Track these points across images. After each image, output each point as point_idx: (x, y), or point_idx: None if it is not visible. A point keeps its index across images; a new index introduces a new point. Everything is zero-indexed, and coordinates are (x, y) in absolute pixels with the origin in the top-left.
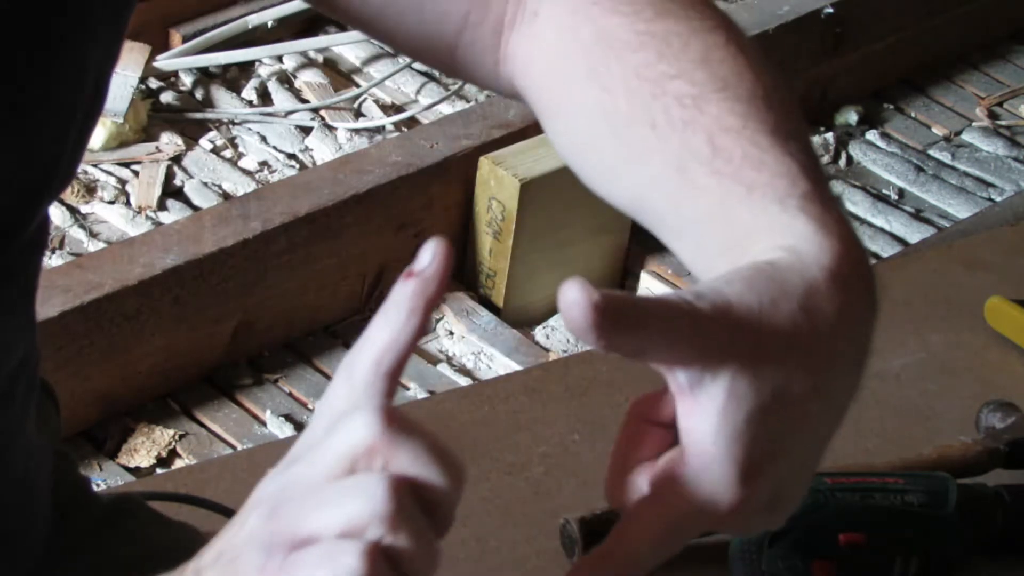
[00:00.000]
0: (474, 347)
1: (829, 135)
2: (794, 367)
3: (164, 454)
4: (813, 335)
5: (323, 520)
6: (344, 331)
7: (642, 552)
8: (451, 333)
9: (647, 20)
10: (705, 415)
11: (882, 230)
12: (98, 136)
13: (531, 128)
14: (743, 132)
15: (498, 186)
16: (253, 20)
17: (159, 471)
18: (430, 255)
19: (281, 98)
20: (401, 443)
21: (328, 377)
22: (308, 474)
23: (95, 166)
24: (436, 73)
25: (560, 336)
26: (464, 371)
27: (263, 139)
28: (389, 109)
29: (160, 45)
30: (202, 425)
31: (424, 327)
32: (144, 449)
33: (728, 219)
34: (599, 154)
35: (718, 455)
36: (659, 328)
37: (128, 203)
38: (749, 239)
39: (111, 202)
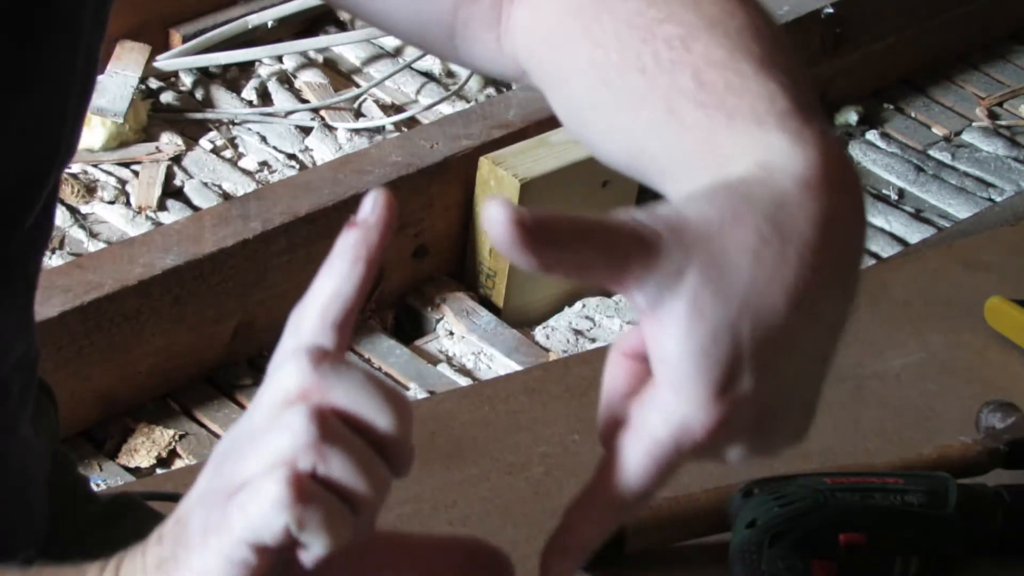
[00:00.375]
0: (474, 347)
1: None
2: (764, 282)
3: (164, 454)
4: (783, 247)
5: (253, 463)
6: None
7: (625, 488)
8: (451, 333)
9: None
10: (669, 333)
11: (882, 230)
12: (98, 136)
13: (531, 128)
14: (728, 64)
15: (498, 186)
16: (253, 20)
17: (159, 471)
18: (371, 204)
19: (281, 98)
20: (334, 381)
21: None
22: (248, 426)
23: (95, 166)
24: (436, 73)
25: (560, 336)
26: (464, 371)
27: (263, 139)
28: (389, 109)
29: (160, 45)
30: (202, 425)
31: (370, 276)
32: (144, 449)
33: (713, 150)
34: (595, 111)
35: (686, 373)
36: (598, 247)
37: (128, 203)
38: (731, 164)
39: (111, 202)
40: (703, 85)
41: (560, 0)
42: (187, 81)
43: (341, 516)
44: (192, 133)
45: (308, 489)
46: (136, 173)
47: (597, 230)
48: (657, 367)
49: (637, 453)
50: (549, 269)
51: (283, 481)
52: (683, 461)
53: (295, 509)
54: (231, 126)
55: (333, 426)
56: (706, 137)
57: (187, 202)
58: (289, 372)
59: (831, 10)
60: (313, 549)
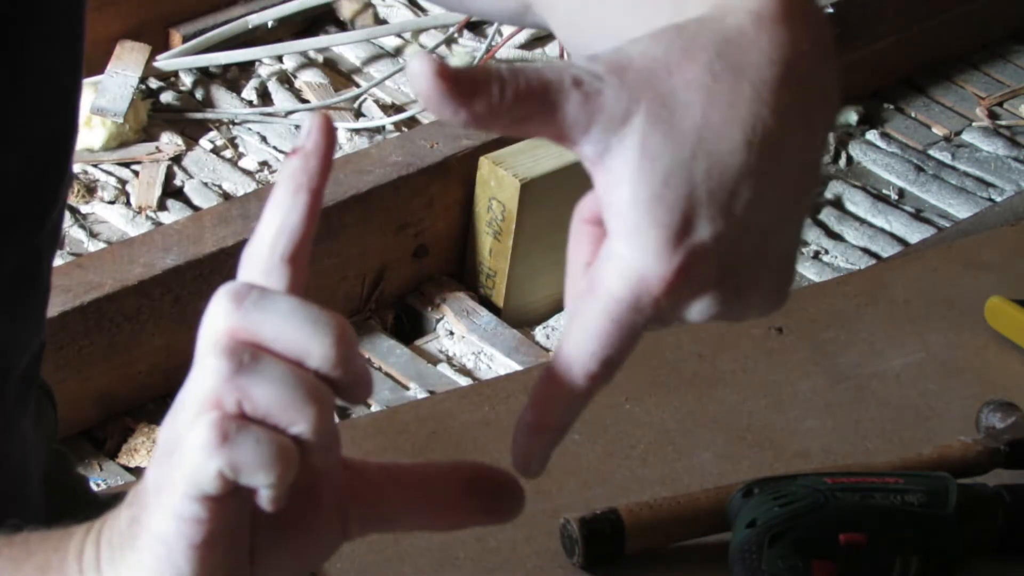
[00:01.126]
0: (474, 347)
1: (829, 135)
2: (718, 120)
3: None
4: (737, 83)
5: (183, 414)
6: None
7: (589, 354)
8: (451, 333)
9: None
10: (618, 180)
11: (882, 230)
12: (98, 136)
13: None
14: None
15: (498, 186)
16: (253, 20)
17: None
18: (307, 130)
19: (281, 98)
20: (258, 314)
21: None
22: (184, 388)
23: (95, 166)
24: None
25: (560, 336)
26: (464, 371)
27: (263, 139)
28: (389, 109)
29: (160, 45)
30: None
31: (315, 206)
32: (144, 449)
33: (680, 11)
34: (586, 14)
35: (639, 221)
36: (532, 96)
37: (128, 203)
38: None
39: (111, 202)
40: None
41: None
42: (187, 81)
43: (282, 449)
44: (192, 133)
45: (232, 429)
46: (136, 173)
47: (530, 78)
48: (609, 219)
49: (595, 313)
50: (481, 124)
51: (206, 425)
52: (645, 321)
53: (223, 452)
54: (231, 126)
55: (254, 358)
56: (674, 6)
57: (187, 202)
58: (213, 313)
59: (831, 10)
60: (262, 490)
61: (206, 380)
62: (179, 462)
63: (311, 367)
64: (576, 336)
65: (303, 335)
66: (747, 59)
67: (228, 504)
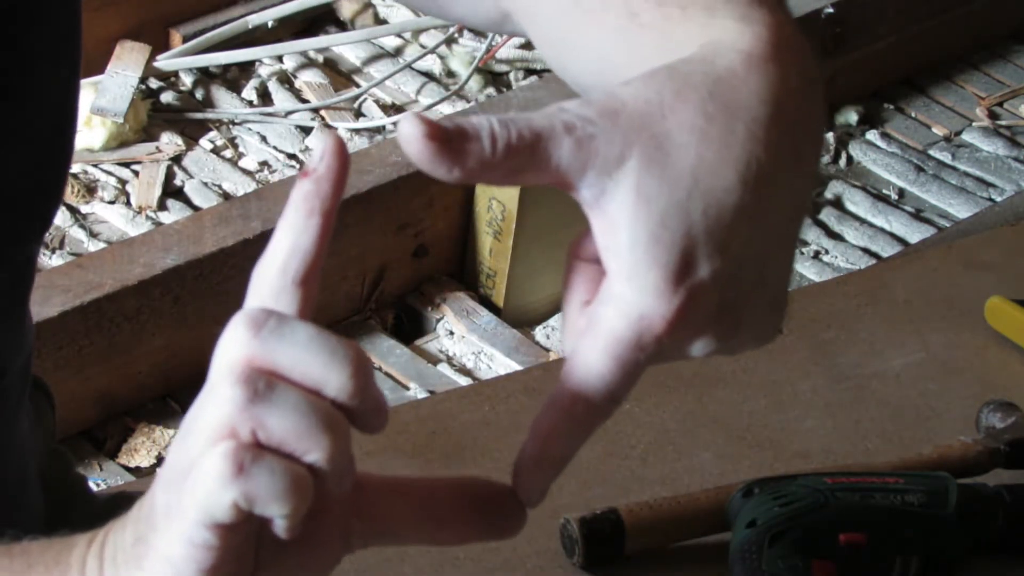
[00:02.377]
0: (474, 347)
1: (829, 135)
2: (713, 160)
3: (164, 454)
4: (729, 123)
5: (196, 440)
6: (344, 331)
7: (591, 392)
8: (451, 333)
9: None
10: (616, 223)
11: (882, 230)
12: (98, 136)
13: None
14: None
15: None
16: (253, 20)
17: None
18: (320, 153)
19: (281, 98)
20: (275, 342)
21: None
22: (200, 400)
23: (95, 166)
24: (436, 73)
25: (560, 336)
26: (464, 371)
27: (263, 139)
28: (389, 109)
29: (160, 45)
30: None
31: (327, 229)
32: (144, 449)
33: (668, 46)
34: (566, 32)
35: (638, 262)
36: (524, 148)
37: (128, 203)
38: (681, 53)
39: (111, 202)
40: None
41: None
42: (187, 81)
43: (296, 480)
44: (192, 133)
45: (247, 460)
46: (136, 173)
47: (520, 128)
48: (608, 261)
49: (597, 352)
50: (475, 179)
51: (221, 456)
52: (647, 359)
53: (238, 483)
54: (231, 126)
55: (269, 387)
56: (662, 35)
57: (187, 202)
58: (230, 340)
59: (831, 10)
60: (277, 520)
61: (221, 407)
62: (192, 489)
63: (328, 396)
64: (578, 374)
65: (321, 364)
66: (739, 99)
67: (239, 530)
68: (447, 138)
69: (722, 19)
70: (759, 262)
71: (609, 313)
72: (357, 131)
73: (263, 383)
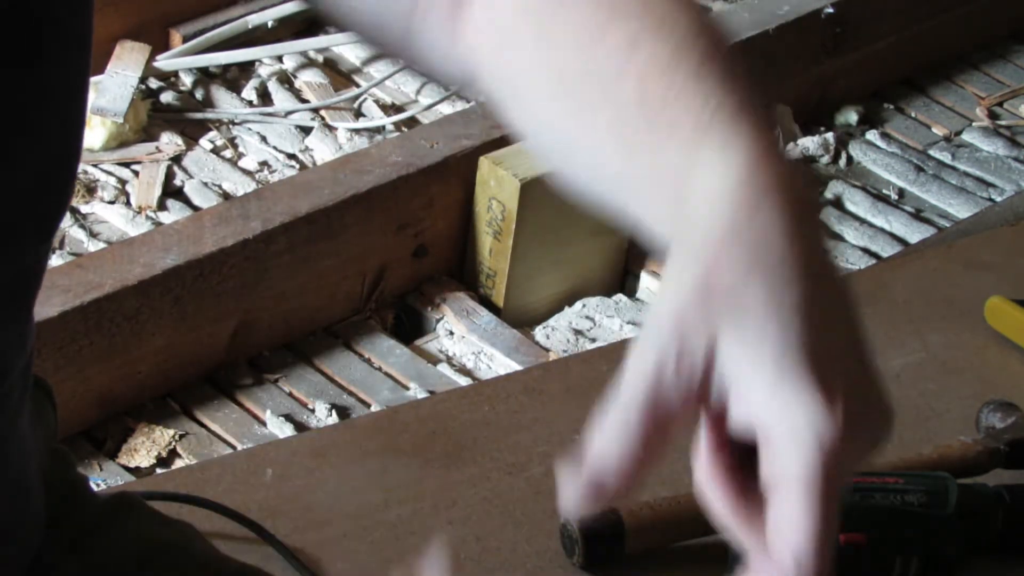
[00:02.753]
0: (474, 347)
1: (829, 135)
2: (782, 297)
3: (164, 454)
4: (768, 264)
5: None
6: (344, 331)
7: (801, 548)
8: (451, 333)
9: None
10: (755, 386)
11: (882, 230)
12: (98, 136)
13: None
14: (668, 68)
15: (498, 186)
16: (253, 20)
17: (159, 471)
18: None
19: (281, 98)
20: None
21: (328, 377)
22: None
23: (95, 166)
24: None
25: (560, 336)
26: (464, 371)
27: (263, 139)
28: (389, 109)
29: (160, 45)
30: (202, 425)
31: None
32: (144, 449)
33: (658, 171)
34: (552, 127)
35: (787, 394)
36: (645, 426)
37: (128, 203)
38: (676, 182)
39: (111, 202)
40: (645, 95)
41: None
42: (187, 81)
43: None
44: (192, 133)
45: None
46: (136, 173)
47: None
48: (760, 417)
49: (792, 504)
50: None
51: None
52: (836, 488)
53: None
54: (231, 126)
55: None
56: (652, 158)
57: (187, 202)
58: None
59: (831, 10)
60: None
61: None
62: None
63: None
64: (780, 536)
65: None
66: (769, 247)
67: None
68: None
69: (705, 151)
70: (847, 346)
71: (785, 461)
72: (357, 131)
73: None
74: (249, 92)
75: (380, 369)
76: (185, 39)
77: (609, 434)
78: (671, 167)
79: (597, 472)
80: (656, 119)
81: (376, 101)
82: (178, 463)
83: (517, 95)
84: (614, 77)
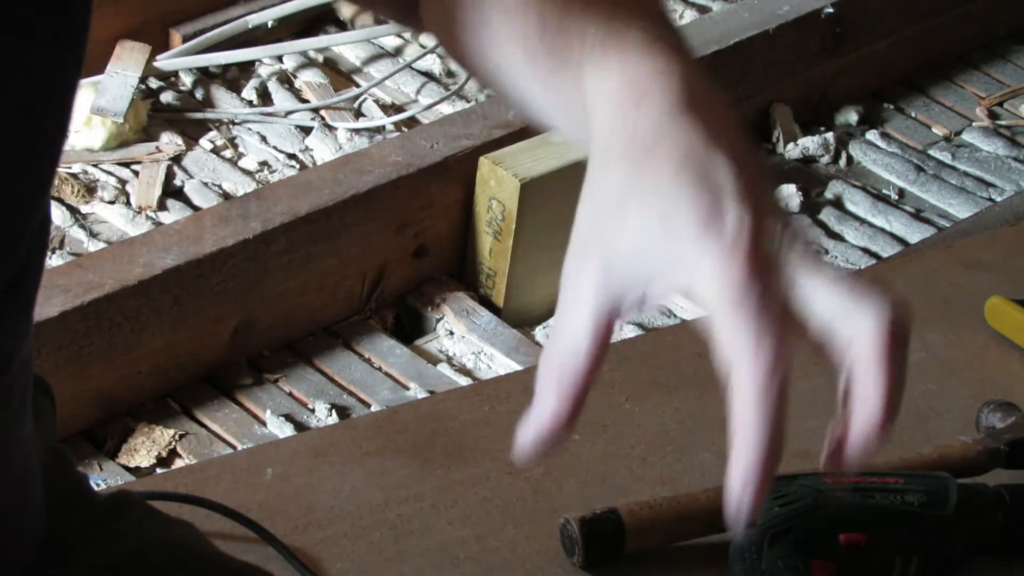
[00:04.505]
0: (474, 347)
1: (829, 135)
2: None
3: (164, 454)
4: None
5: None
6: (344, 331)
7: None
8: (451, 333)
9: None
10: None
11: (882, 230)
12: (98, 136)
13: (531, 128)
14: (565, 6)
15: (498, 186)
16: (253, 20)
17: (159, 471)
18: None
19: (281, 98)
20: None
21: (328, 377)
22: None
23: (95, 166)
24: (436, 73)
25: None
26: (464, 371)
27: (263, 139)
28: (389, 109)
29: (160, 45)
30: (202, 425)
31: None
32: (144, 449)
33: (565, 93)
34: (487, 59)
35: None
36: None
37: (128, 203)
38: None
39: (111, 202)
40: (545, 27)
41: None
42: (187, 81)
43: None
44: (192, 133)
45: None
46: (136, 173)
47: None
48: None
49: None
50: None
51: None
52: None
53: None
54: (231, 126)
55: None
56: (558, 86)
57: (187, 202)
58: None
59: (831, 10)
60: None
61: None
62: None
63: None
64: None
65: None
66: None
67: None
68: (543, 433)
69: (588, 73)
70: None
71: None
72: (357, 131)
73: None
74: (249, 92)
75: (380, 369)
76: (185, 39)
77: (571, 339)
78: (571, 92)
79: (565, 373)
80: (554, 49)
81: (376, 101)
82: (178, 463)
83: (457, 38)
84: (521, 11)
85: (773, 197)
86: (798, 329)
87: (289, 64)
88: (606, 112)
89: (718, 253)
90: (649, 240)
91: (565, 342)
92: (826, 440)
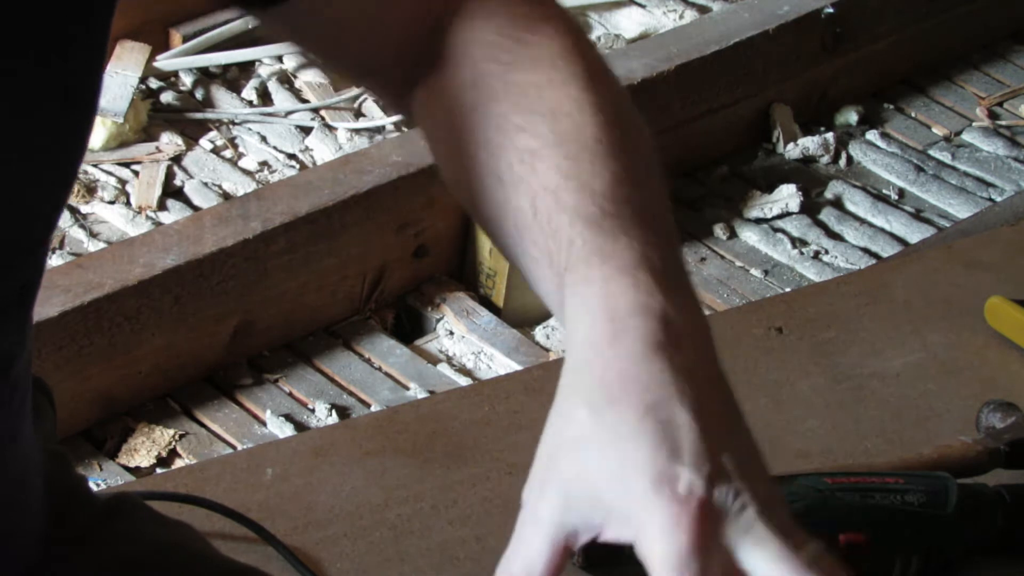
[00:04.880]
0: (474, 347)
1: (829, 135)
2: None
3: (164, 454)
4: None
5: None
6: (344, 331)
7: None
8: (451, 333)
9: (519, 70)
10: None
11: (882, 230)
12: (98, 136)
13: None
14: (558, 189)
15: None
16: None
17: (159, 471)
18: None
19: (281, 98)
20: None
21: (328, 377)
22: None
23: (95, 166)
24: None
25: (560, 336)
26: (464, 371)
27: (263, 139)
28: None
29: (160, 45)
30: (202, 425)
31: None
32: (144, 449)
33: (544, 290)
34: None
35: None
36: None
37: (128, 203)
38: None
39: (111, 202)
40: (537, 213)
41: (454, 88)
42: (187, 81)
43: None
44: (192, 133)
45: None
46: (136, 173)
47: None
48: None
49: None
50: None
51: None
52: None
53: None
54: (231, 126)
55: None
56: (540, 275)
57: (187, 202)
58: None
59: (831, 10)
60: None
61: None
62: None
63: None
64: None
65: None
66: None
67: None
68: None
69: (567, 298)
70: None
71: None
72: (357, 131)
73: None
74: (249, 92)
75: (380, 369)
76: (185, 39)
77: (527, 563)
78: (551, 284)
79: None
80: (544, 236)
81: (376, 101)
82: (178, 463)
83: (450, 170)
84: (515, 184)
85: (736, 457)
86: None
87: (289, 64)
88: (580, 345)
89: (664, 518)
90: (605, 486)
91: (520, 565)
92: None
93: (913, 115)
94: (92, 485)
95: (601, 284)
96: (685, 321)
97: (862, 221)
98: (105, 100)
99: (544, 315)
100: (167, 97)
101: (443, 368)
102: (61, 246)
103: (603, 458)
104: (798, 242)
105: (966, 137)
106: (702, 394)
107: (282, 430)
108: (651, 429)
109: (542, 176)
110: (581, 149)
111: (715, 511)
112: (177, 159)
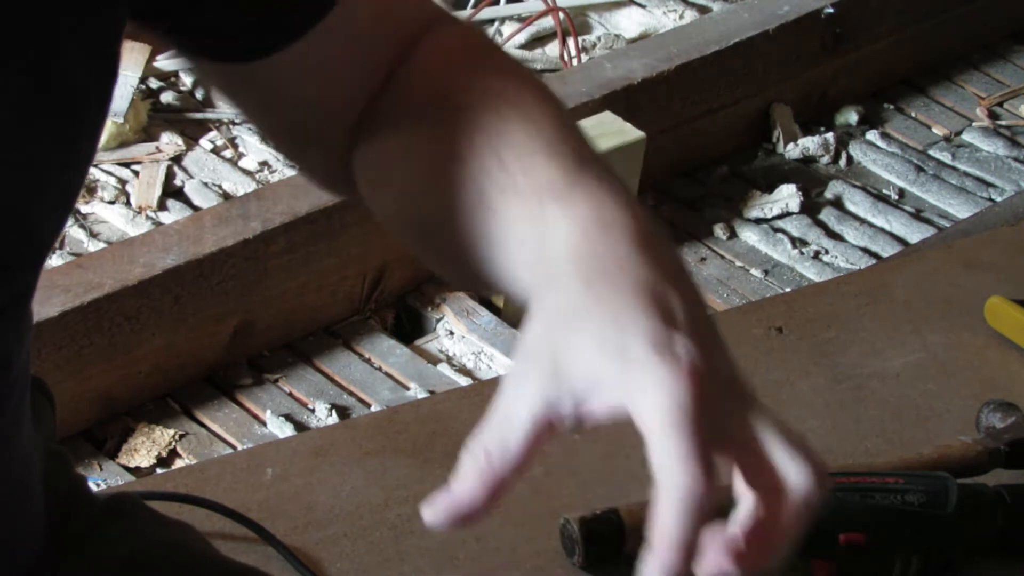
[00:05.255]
0: (474, 347)
1: (829, 135)
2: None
3: (164, 454)
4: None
5: None
6: (344, 331)
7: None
8: (451, 333)
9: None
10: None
11: (882, 230)
12: None
13: None
14: (521, 147)
15: None
16: None
17: (159, 471)
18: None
19: None
20: None
21: (328, 377)
22: None
23: (95, 166)
24: None
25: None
26: (464, 371)
27: (263, 139)
28: None
29: (160, 45)
30: (202, 425)
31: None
32: (144, 449)
33: (514, 232)
34: (421, 208)
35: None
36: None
37: (128, 203)
38: (534, 235)
39: (111, 202)
40: (504, 164)
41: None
42: (187, 81)
43: None
44: (192, 133)
45: None
46: (136, 173)
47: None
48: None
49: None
50: (500, 497)
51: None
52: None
53: None
54: (231, 126)
55: None
56: (509, 218)
57: (187, 202)
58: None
59: (831, 10)
60: None
61: None
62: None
63: None
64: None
65: None
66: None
67: None
68: (459, 508)
69: (549, 213)
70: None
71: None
72: None
73: None
74: None
75: (380, 369)
76: None
77: (505, 433)
78: (525, 222)
79: (491, 464)
80: (512, 185)
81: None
82: (178, 463)
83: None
84: (479, 157)
85: (719, 341)
86: (729, 456)
87: None
88: (569, 232)
89: (666, 376)
90: (600, 355)
91: (498, 433)
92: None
93: (913, 115)
94: (92, 485)
95: (585, 194)
96: (657, 229)
97: (862, 221)
98: None
99: None
100: (167, 97)
101: (443, 368)
102: (61, 246)
103: (599, 326)
104: (798, 242)
105: (966, 137)
106: (684, 287)
107: (282, 430)
108: (647, 301)
109: (508, 139)
110: (538, 118)
111: (713, 373)
112: (177, 159)
